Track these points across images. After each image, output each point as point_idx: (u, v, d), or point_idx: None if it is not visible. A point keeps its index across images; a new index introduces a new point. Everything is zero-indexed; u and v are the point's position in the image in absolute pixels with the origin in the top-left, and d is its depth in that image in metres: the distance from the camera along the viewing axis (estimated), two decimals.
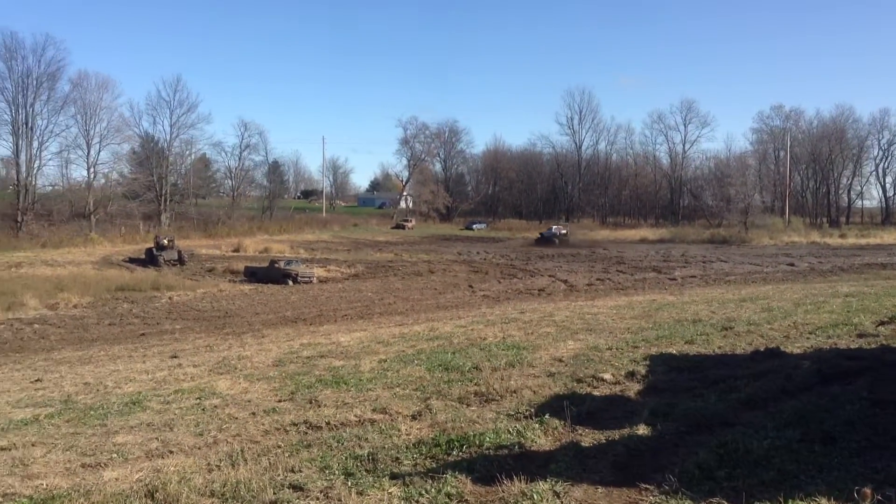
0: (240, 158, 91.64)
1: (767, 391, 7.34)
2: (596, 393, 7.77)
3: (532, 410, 6.88)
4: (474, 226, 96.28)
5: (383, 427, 6.65)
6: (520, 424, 6.36)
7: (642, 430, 6.08)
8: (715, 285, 31.12)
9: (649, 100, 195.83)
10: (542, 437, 6.02)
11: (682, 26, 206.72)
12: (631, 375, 8.50)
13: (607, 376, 8.44)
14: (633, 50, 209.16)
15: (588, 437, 6.02)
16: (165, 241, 47.45)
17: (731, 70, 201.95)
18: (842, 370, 8.12)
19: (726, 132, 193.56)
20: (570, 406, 6.67)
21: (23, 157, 67.62)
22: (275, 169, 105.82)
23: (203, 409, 7.94)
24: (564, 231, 73.17)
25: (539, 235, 72.66)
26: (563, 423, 6.35)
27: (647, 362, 9.27)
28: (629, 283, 33.93)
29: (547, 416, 6.52)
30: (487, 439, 5.92)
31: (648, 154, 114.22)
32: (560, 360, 9.65)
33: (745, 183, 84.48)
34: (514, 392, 7.76)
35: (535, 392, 7.77)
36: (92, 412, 8.22)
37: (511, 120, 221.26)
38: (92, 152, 72.37)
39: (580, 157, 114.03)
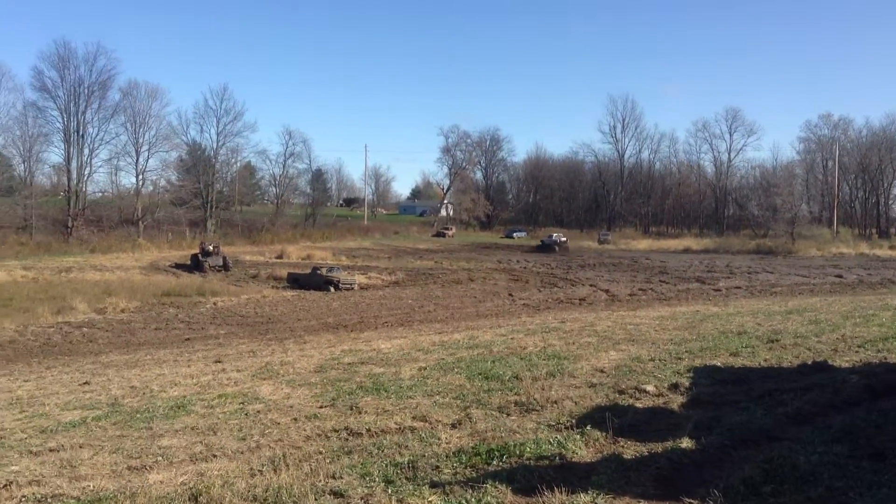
0: (284, 166, 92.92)
1: (815, 405, 7.18)
2: (638, 405, 7.67)
3: (573, 421, 6.82)
4: (514, 234, 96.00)
5: (423, 435, 6.65)
6: (561, 435, 6.31)
7: (686, 443, 5.98)
8: (760, 297, 30.54)
9: (693, 108, 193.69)
10: (584, 449, 5.97)
11: (728, 34, 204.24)
12: (674, 387, 8.38)
13: (650, 388, 8.33)
14: (677, 58, 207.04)
15: (630, 450, 5.95)
16: (211, 248, 48.27)
17: (778, 78, 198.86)
18: (892, 385, 7.90)
19: (773, 141, 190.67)
20: (612, 417, 6.60)
21: (74, 164, 69.50)
22: (318, 177, 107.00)
23: (246, 414, 8.04)
24: (564, 239, 75.55)
25: (540, 242, 75.16)
26: (604, 434, 6.28)
27: (691, 374, 9.13)
28: (672, 294, 33.49)
29: (588, 428, 6.46)
30: (528, 449, 5.88)
31: (692, 163, 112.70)
32: (601, 371, 9.56)
33: (791, 193, 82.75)
34: (555, 402, 7.70)
35: (576, 403, 7.71)
36: (138, 415, 8.36)
37: (553, 128, 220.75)
38: (141, 160, 74.12)
39: (623, 166, 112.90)
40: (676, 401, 7.82)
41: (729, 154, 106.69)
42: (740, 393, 8.00)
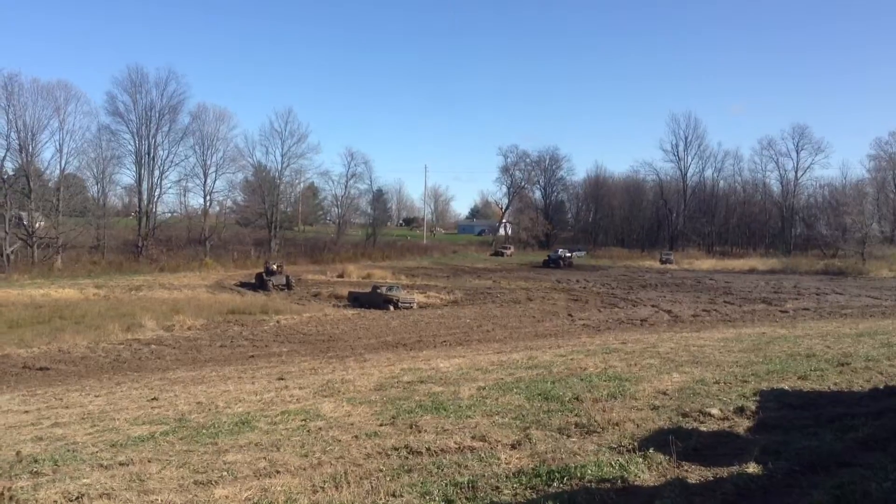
0: (346, 187, 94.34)
1: (887, 431, 6.90)
2: (703, 428, 7.50)
3: (635, 444, 6.71)
4: (573, 253, 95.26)
5: (483, 455, 6.63)
6: (622, 458, 6.22)
7: (752, 468, 5.83)
8: (830, 318, 29.55)
9: (758, 125, 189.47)
10: (646, 472, 5.86)
11: (793, 51, 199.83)
12: (740, 411, 8.16)
13: (714, 411, 8.13)
14: (740, 75, 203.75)
15: (694, 474, 5.83)
16: (274, 267, 49.25)
17: (847, 95, 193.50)
18: None
19: (841, 159, 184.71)
20: (676, 441, 6.47)
21: (145, 185, 71.92)
22: (379, 197, 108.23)
23: (308, 431, 8.14)
24: (570, 254, 79.79)
25: (546, 258, 78.95)
26: (667, 458, 6.16)
27: (757, 398, 8.88)
28: (737, 315, 32.70)
29: (651, 451, 6.34)
30: (589, 472, 5.81)
31: (758, 181, 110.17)
32: (664, 393, 9.38)
33: (861, 212, 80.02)
34: (617, 424, 7.59)
35: (638, 425, 7.58)
36: (204, 431, 8.53)
37: (613, 147, 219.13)
38: (208, 181, 76.35)
39: (685, 185, 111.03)
40: (742, 425, 7.62)
41: (796, 172, 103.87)
42: (809, 417, 7.76)
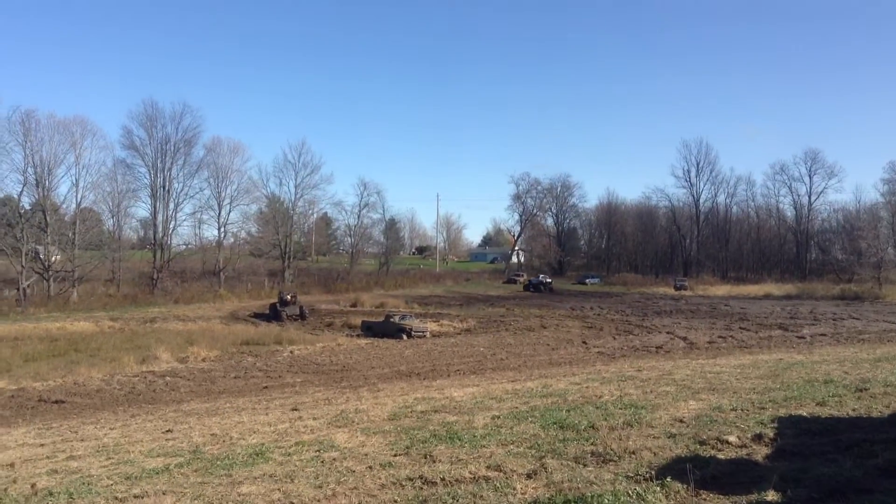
0: (359, 216, 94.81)
1: None
2: (720, 456, 7.42)
3: (652, 473, 6.64)
4: (587, 280, 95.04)
5: (498, 485, 6.57)
6: (640, 487, 6.15)
7: (771, 495, 5.75)
8: (847, 344, 29.26)
9: (770, 150, 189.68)
10: (664, 501, 5.79)
11: (803, 75, 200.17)
12: (758, 438, 8.07)
13: (732, 438, 8.04)
14: (751, 100, 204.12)
15: (712, 503, 5.76)
16: (288, 297, 49.37)
17: (859, 119, 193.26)
18: None
19: (855, 183, 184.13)
20: (693, 469, 6.40)
21: (160, 218, 72.50)
22: (391, 226, 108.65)
23: (322, 462, 8.10)
24: (549, 280, 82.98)
25: (528, 282, 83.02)
26: (685, 486, 6.09)
27: (775, 424, 8.78)
28: (753, 341, 32.43)
29: (668, 479, 6.27)
30: (606, 501, 5.75)
31: (771, 206, 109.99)
32: (681, 421, 9.29)
33: (877, 236, 79.57)
34: (633, 453, 7.52)
35: (654, 453, 7.51)
36: (218, 462, 8.52)
37: (625, 173, 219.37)
38: (223, 213, 76.88)
39: (698, 210, 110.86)
40: (760, 452, 7.53)
41: (809, 197, 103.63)
42: (828, 444, 7.66)
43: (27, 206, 63.32)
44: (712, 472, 6.58)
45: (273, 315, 47.84)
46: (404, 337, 37.34)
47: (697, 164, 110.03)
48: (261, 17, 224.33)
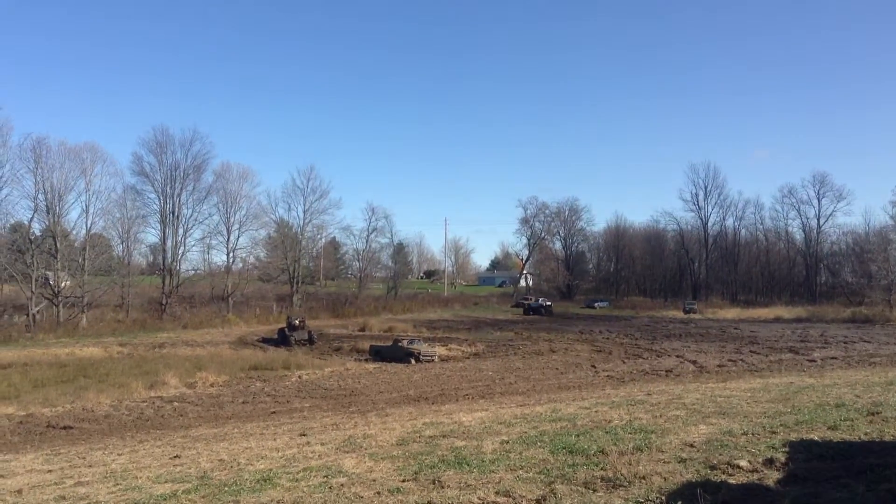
0: (367, 241, 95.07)
1: None
2: (731, 481, 7.35)
3: (663, 498, 6.59)
4: (596, 304, 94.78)
5: None
6: None
7: None
8: (858, 367, 29.02)
9: (778, 173, 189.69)
10: None
11: (811, 98, 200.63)
12: (769, 462, 8.00)
13: (743, 463, 7.98)
14: (758, 124, 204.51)
15: None
16: (297, 322, 49.36)
17: (866, 141, 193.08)
18: None
19: (864, 206, 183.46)
20: (704, 494, 6.35)
21: (169, 243, 72.84)
22: (399, 250, 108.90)
23: (330, 488, 8.06)
24: (549, 303, 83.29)
25: (527, 306, 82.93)
26: None
27: (787, 449, 8.70)
28: (764, 365, 32.21)
29: None
30: None
31: (780, 229, 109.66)
32: (691, 446, 9.22)
33: (887, 259, 79.18)
34: (643, 478, 7.46)
35: (665, 478, 7.45)
36: (226, 488, 8.49)
37: (633, 197, 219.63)
38: (231, 238, 77.19)
39: (706, 234, 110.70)
40: (772, 477, 7.46)
41: (818, 220, 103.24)
42: (840, 468, 7.59)
43: (37, 233, 63.77)
44: (723, 498, 6.52)
45: (281, 340, 47.83)
46: (412, 361, 37.26)
47: (705, 188, 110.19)
48: (269, 42, 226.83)
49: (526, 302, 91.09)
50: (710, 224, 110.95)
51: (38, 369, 34.77)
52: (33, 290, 57.72)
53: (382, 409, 21.40)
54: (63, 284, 61.23)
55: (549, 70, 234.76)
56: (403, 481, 8.19)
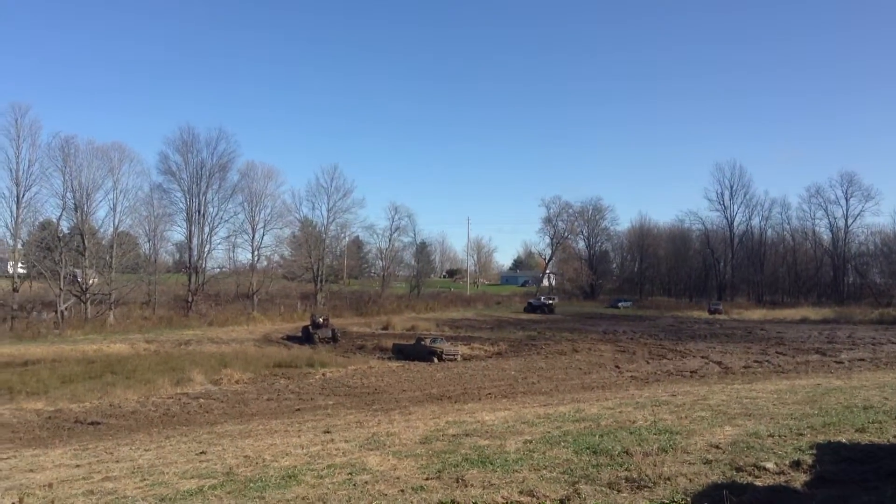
0: (390, 240, 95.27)
1: None
2: (757, 483, 7.29)
3: (688, 499, 6.55)
4: (619, 304, 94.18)
5: None
6: None
7: None
8: (886, 369, 28.59)
9: (804, 173, 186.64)
10: None
11: (838, 97, 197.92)
12: (796, 465, 7.92)
13: (770, 465, 7.90)
14: (784, 123, 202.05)
15: None
16: (320, 320, 49.63)
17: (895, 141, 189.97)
18: None
19: (893, 206, 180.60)
20: (730, 496, 6.30)
21: (195, 241, 73.41)
22: (422, 249, 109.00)
23: (354, 485, 8.10)
24: (551, 301, 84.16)
25: (528, 304, 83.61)
26: None
27: (814, 451, 8.61)
28: (790, 366, 31.84)
29: None
30: None
31: (807, 230, 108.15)
32: (717, 447, 9.15)
33: None
34: (668, 479, 7.42)
35: (690, 480, 7.40)
36: (251, 484, 8.56)
37: (657, 196, 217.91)
38: (256, 236, 77.69)
39: (732, 234, 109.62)
40: (799, 479, 7.39)
41: (846, 220, 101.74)
42: (868, 471, 7.49)
43: (66, 231, 64.64)
44: (750, 499, 6.47)
45: (305, 338, 48.09)
46: (435, 360, 37.29)
47: (731, 187, 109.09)
48: (293, 43, 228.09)
49: (549, 301, 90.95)
50: (735, 224, 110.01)
51: (66, 365, 35.24)
52: (62, 287, 58.53)
53: (405, 408, 21.44)
54: (91, 282, 62.00)
55: (573, 70, 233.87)
56: (427, 479, 8.21)
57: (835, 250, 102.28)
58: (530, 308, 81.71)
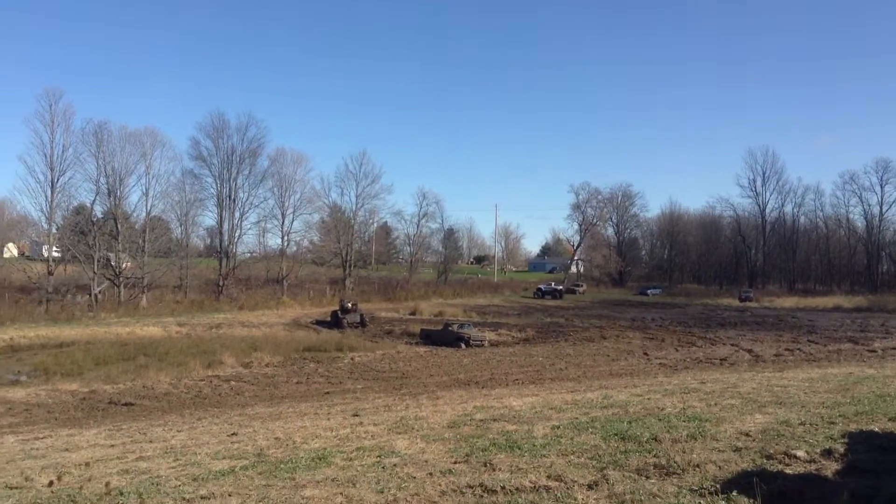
0: (418, 226, 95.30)
1: None
2: (788, 471, 7.23)
3: (717, 486, 6.51)
4: (648, 291, 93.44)
5: (559, 495, 6.53)
6: (704, 500, 6.05)
7: None
8: None
9: (839, 159, 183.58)
10: None
11: (872, 84, 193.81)
12: (827, 453, 7.83)
13: (800, 453, 7.83)
14: (820, 108, 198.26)
15: None
16: (349, 305, 49.94)
17: None
18: None
19: None
20: (760, 483, 6.24)
21: (226, 226, 74.11)
22: (450, 235, 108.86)
23: (383, 468, 8.17)
24: (561, 287, 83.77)
25: (538, 289, 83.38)
26: (752, 501, 5.96)
27: (846, 440, 8.51)
28: (822, 355, 31.44)
29: (734, 493, 6.14)
30: None
31: (841, 217, 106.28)
32: (747, 435, 9.08)
33: None
34: (697, 466, 7.38)
35: (720, 467, 7.36)
36: (282, 466, 8.66)
37: (688, 183, 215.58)
38: (286, 222, 78.29)
39: (764, 221, 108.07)
40: (830, 468, 7.31)
41: (881, 207, 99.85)
42: None
43: (99, 215, 65.65)
44: (780, 488, 6.42)
45: (334, 322, 48.45)
46: (462, 346, 37.38)
47: (763, 174, 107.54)
48: (321, 30, 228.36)
49: (577, 288, 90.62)
50: (767, 211, 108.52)
51: (100, 347, 35.91)
52: (95, 270, 59.49)
53: (433, 392, 21.53)
54: (124, 265, 62.93)
55: (601, 55, 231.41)
56: (455, 463, 8.25)
57: (869, 238, 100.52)
58: (539, 293, 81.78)
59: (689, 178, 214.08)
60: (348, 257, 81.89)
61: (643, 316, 57.82)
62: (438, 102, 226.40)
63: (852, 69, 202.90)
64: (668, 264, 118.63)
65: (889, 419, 9.89)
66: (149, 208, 67.92)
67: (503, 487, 6.90)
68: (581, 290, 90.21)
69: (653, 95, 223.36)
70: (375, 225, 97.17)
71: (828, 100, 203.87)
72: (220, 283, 68.91)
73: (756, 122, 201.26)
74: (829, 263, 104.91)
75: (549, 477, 7.21)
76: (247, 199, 75.47)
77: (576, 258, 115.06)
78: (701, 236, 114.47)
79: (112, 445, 12.69)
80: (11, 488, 8.55)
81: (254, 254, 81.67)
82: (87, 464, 10.15)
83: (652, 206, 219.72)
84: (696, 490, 6.48)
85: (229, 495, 7.31)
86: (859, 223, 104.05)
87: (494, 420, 11.68)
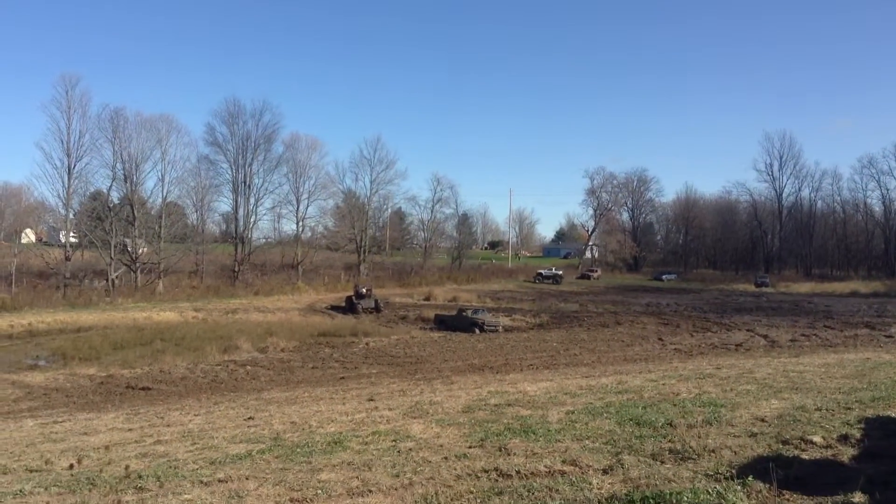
0: (432, 212, 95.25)
1: None
2: (804, 456, 7.20)
3: (733, 471, 6.50)
4: (663, 276, 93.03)
5: (574, 479, 6.54)
6: (720, 486, 6.03)
7: (858, 498, 5.55)
8: None
9: (857, 144, 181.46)
10: (745, 501, 5.66)
11: (889, 66, 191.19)
12: (844, 439, 7.79)
13: (817, 439, 7.80)
14: (837, 92, 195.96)
15: (796, 503, 5.60)
16: (364, 290, 50.09)
17: None
18: None
19: None
20: (776, 469, 6.22)
21: (241, 212, 74.38)
22: (464, 221, 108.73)
23: (398, 452, 8.22)
24: (560, 272, 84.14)
25: (537, 273, 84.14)
26: (767, 486, 5.94)
27: (862, 425, 8.46)
28: (838, 340, 31.24)
29: (750, 478, 6.12)
30: (685, 499, 5.65)
31: (858, 201, 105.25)
32: (762, 420, 9.05)
33: None
34: (713, 451, 7.37)
35: (735, 452, 7.34)
36: (298, 449, 8.73)
37: (704, 168, 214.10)
38: (301, 207, 78.59)
39: (780, 205, 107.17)
40: (846, 453, 7.28)
41: None
42: None
43: (116, 201, 66.04)
44: (796, 473, 6.40)
45: (349, 308, 48.63)
46: (477, 331, 37.42)
47: (780, 158, 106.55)
48: (335, 16, 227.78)
49: (592, 273, 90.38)
50: (784, 195, 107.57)
51: (117, 332, 36.25)
52: (112, 256, 59.95)
53: (448, 377, 21.59)
54: (140, 251, 63.35)
55: (618, 40, 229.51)
56: (470, 447, 8.28)
57: (887, 222, 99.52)
58: (539, 278, 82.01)
59: (706, 163, 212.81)
60: (363, 243, 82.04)
61: (658, 301, 57.64)
62: (453, 88, 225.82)
63: (871, 52, 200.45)
64: (683, 250, 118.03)
65: None
66: (165, 194, 68.36)
67: (518, 472, 6.92)
68: (595, 275, 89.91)
69: (669, 80, 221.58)
70: (390, 210, 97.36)
71: (846, 83, 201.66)
72: (236, 269, 69.27)
73: (773, 105, 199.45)
74: (846, 248, 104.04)
75: (564, 462, 7.23)
76: (262, 185, 75.80)
77: (590, 243, 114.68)
78: (717, 221, 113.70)
79: (130, 429, 12.82)
80: (32, 471, 8.67)
81: (269, 239, 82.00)
82: (106, 447, 10.27)
83: (667, 191, 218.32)
84: (712, 475, 6.47)
85: (246, 478, 7.37)
86: (877, 208, 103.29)
87: (509, 405, 11.70)
